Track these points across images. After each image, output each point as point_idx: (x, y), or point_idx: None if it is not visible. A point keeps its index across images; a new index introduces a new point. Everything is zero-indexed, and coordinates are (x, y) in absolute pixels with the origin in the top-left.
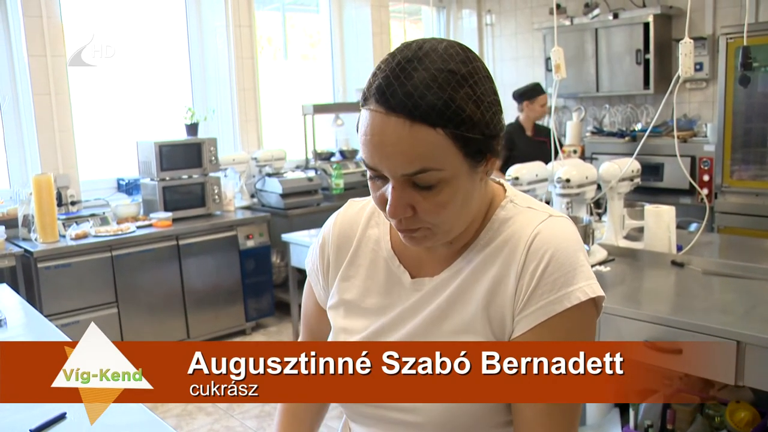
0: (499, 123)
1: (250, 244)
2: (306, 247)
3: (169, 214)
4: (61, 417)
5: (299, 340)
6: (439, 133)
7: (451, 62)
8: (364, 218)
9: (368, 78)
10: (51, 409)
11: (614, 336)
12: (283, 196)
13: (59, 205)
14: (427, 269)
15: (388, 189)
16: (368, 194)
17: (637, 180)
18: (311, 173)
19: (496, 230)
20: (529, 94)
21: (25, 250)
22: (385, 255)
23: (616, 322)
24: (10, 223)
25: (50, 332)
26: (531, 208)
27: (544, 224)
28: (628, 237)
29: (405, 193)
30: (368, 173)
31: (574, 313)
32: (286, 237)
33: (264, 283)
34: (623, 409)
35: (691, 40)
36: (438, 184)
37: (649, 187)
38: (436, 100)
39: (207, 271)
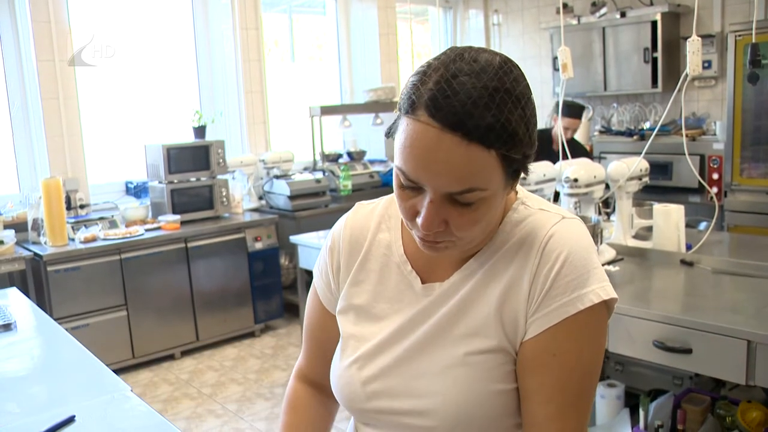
0: (536, 143)
1: (259, 246)
2: (314, 248)
3: (178, 217)
4: (70, 420)
5: (303, 356)
6: (491, 154)
7: (506, 80)
8: (374, 222)
9: (412, 81)
10: (60, 413)
11: (624, 336)
12: (291, 197)
13: (68, 208)
14: (438, 273)
15: (423, 202)
16: (375, 197)
17: (646, 179)
18: (319, 175)
19: (508, 233)
20: (563, 110)
21: (35, 254)
22: (397, 260)
23: (625, 322)
24: (19, 226)
25: (60, 335)
26: (543, 209)
27: (558, 226)
28: (636, 236)
29: (442, 209)
30: (401, 181)
31: (587, 315)
32: (294, 239)
33: (273, 285)
34: (633, 409)
35: (699, 38)
36: (477, 201)
37: (658, 186)
38: (494, 122)
39: (215, 273)
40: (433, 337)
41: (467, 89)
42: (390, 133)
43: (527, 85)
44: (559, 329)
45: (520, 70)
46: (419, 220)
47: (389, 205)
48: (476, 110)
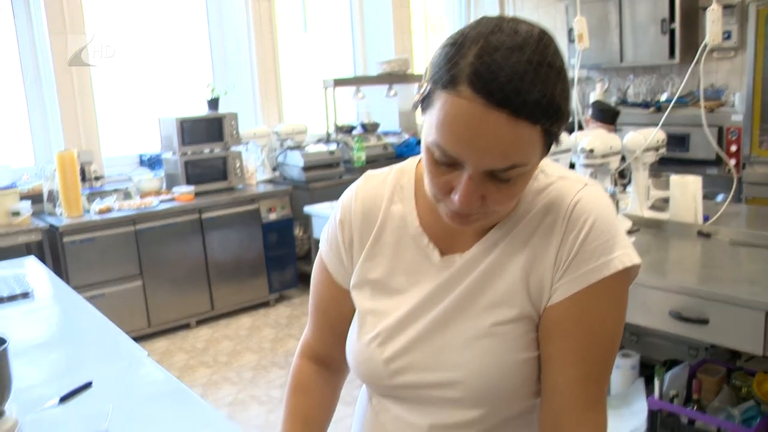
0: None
1: (273, 217)
2: (328, 219)
3: (192, 188)
4: (87, 385)
5: (310, 329)
6: (536, 130)
7: (548, 54)
8: (387, 194)
9: (447, 53)
10: (78, 379)
11: (640, 307)
12: (305, 169)
13: (83, 180)
14: (457, 245)
15: (461, 178)
16: (384, 166)
17: (663, 150)
18: (333, 146)
19: (530, 202)
20: (594, 113)
21: (51, 225)
22: (412, 232)
23: (641, 293)
24: (35, 198)
25: (77, 303)
26: (563, 177)
27: (583, 192)
28: (653, 207)
29: (481, 185)
30: (434, 157)
31: (611, 281)
32: (308, 209)
33: (287, 256)
34: (648, 379)
35: (719, 6)
36: (516, 176)
37: (675, 158)
38: (540, 97)
39: (230, 244)
40: (457, 309)
41: (512, 63)
42: (421, 107)
43: (563, 59)
44: (584, 295)
45: (555, 41)
46: (455, 197)
47: (400, 175)
48: (523, 86)
